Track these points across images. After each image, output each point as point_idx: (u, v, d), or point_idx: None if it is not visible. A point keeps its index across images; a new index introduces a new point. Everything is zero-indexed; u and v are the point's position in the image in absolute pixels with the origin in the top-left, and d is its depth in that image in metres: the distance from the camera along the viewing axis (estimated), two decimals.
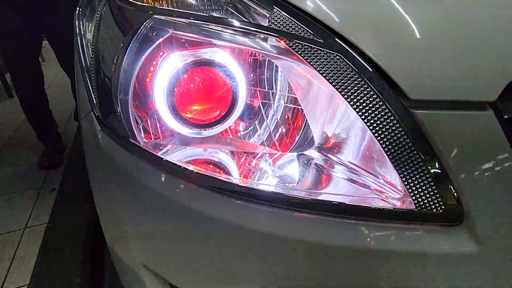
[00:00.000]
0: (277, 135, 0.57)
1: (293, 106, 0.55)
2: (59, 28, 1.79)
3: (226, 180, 0.47)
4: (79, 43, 0.70)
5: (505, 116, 0.38)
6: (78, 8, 0.76)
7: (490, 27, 0.39)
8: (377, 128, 0.38)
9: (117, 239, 0.61)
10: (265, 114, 0.58)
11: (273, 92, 0.56)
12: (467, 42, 0.38)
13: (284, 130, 0.56)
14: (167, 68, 0.50)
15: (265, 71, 0.55)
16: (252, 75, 0.55)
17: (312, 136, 0.51)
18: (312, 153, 0.52)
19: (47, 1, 1.71)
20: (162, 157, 0.48)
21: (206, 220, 0.46)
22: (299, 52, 0.39)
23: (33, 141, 2.20)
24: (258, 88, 0.57)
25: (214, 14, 0.46)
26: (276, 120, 0.57)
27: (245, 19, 0.43)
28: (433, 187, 0.38)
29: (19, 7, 1.69)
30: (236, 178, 0.52)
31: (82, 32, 0.73)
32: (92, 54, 0.60)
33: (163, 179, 0.49)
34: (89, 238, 1.32)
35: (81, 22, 0.75)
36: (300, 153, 0.54)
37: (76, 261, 1.22)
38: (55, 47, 1.91)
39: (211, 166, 0.55)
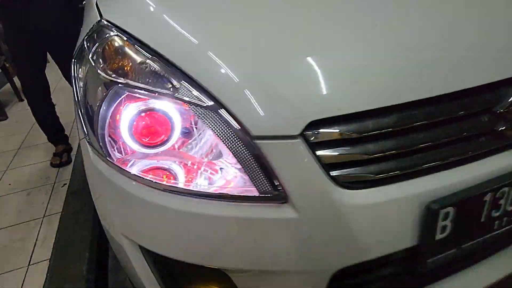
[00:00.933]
0: (204, 149, 0.87)
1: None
2: (60, 46, 2.10)
3: (168, 184, 0.78)
4: (76, 85, 1.00)
5: (310, 141, 0.68)
6: (73, 59, 1.06)
7: (289, 82, 0.69)
8: (236, 153, 0.69)
9: (109, 223, 0.93)
10: (198, 135, 0.88)
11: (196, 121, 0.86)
12: (276, 97, 0.68)
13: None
14: (128, 113, 0.80)
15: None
16: (184, 112, 0.85)
17: (220, 151, 0.82)
18: (222, 163, 0.83)
19: (49, 25, 2.00)
20: (128, 170, 0.79)
21: (159, 207, 0.77)
22: (194, 109, 0.70)
23: (44, 142, 2.54)
24: (191, 119, 0.87)
25: (154, 80, 0.77)
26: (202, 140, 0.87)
27: (166, 87, 0.74)
28: (268, 182, 0.68)
29: (25, 31, 1.99)
30: (179, 181, 0.83)
31: (77, 77, 1.03)
32: (82, 98, 0.91)
33: (132, 183, 0.80)
34: (96, 223, 1.66)
35: (75, 68, 1.06)
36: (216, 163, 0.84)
37: (85, 241, 1.56)
38: (57, 62, 2.21)
39: (164, 171, 0.86)
